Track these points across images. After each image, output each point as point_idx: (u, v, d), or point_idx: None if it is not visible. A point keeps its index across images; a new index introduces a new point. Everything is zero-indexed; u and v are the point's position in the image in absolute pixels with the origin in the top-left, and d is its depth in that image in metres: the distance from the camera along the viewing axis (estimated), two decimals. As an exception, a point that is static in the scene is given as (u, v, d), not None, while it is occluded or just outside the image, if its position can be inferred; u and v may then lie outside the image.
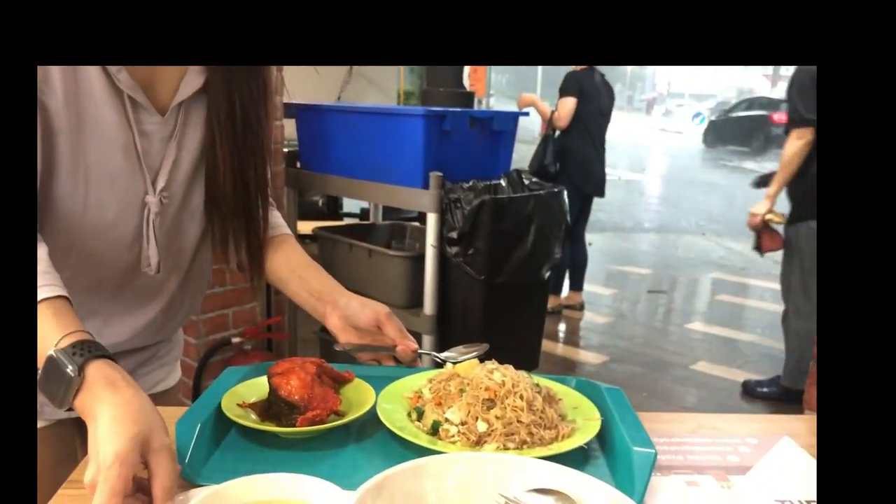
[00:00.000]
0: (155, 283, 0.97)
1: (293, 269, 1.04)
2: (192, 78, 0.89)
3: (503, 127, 2.49)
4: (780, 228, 3.19)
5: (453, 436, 0.79)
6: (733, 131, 17.40)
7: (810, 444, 0.90)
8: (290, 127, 2.82)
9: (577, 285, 4.58)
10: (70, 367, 0.66)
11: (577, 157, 4.04)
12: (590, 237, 4.56)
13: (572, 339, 4.31)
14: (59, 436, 0.97)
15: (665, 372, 3.74)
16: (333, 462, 0.77)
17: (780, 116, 17.06)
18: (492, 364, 0.87)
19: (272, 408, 0.83)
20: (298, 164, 2.78)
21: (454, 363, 0.94)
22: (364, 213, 4.07)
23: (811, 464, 0.85)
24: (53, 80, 0.79)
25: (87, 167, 0.84)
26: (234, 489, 0.60)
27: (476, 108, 5.03)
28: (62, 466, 0.81)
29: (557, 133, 4.04)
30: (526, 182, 2.44)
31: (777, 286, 3.43)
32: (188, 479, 0.70)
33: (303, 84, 3.83)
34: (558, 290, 4.50)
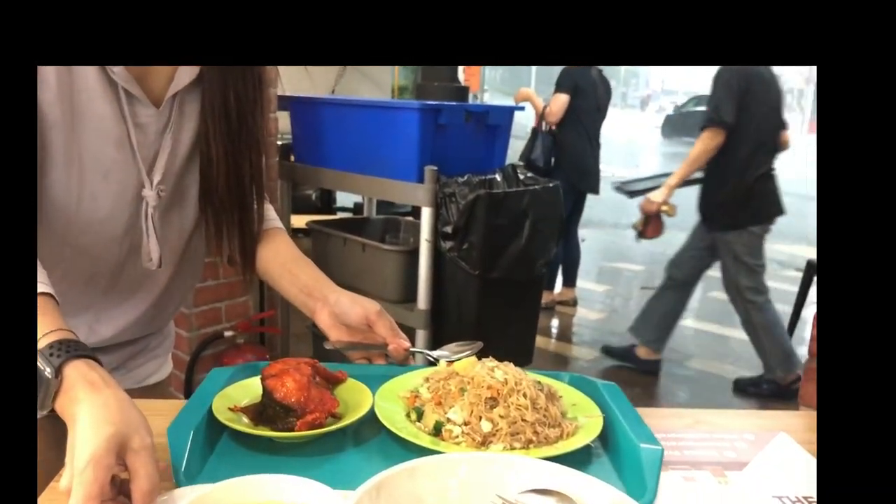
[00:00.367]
0: (146, 275, 0.97)
1: (283, 263, 1.03)
2: (186, 69, 0.88)
3: (498, 121, 2.48)
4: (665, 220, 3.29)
5: (457, 436, 0.77)
6: (685, 125, 18.58)
7: (806, 439, 0.90)
8: (283, 120, 2.80)
9: (569, 281, 4.59)
10: (47, 368, 0.64)
11: (571, 153, 4.03)
12: (582, 233, 4.56)
13: (565, 334, 4.31)
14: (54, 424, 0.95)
15: (658, 368, 3.75)
16: (333, 467, 0.75)
17: (786, 134, 19.47)
18: (492, 362, 0.85)
19: (266, 411, 0.80)
20: (292, 158, 2.77)
21: (448, 361, 0.92)
22: (358, 208, 4.06)
23: (808, 459, 0.85)
24: (47, 73, 0.78)
25: (81, 161, 0.83)
26: (223, 491, 0.58)
27: (470, 102, 5.02)
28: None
29: (548, 128, 4.04)
30: (521, 177, 2.43)
31: (769, 283, 3.43)
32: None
33: (297, 77, 3.81)
34: (551, 286, 4.50)
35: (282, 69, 2.81)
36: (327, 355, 0.96)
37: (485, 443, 0.76)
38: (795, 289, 4.09)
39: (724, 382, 3.59)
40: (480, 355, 0.90)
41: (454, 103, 2.44)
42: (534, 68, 24.61)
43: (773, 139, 3.15)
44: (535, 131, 4.07)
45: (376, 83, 4.56)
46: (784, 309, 4.38)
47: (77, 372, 0.65)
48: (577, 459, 0.76)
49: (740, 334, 4.36)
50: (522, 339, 2.58)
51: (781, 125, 3.21)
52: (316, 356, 2.97)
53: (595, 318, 4.57)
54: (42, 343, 0.66)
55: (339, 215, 3.99)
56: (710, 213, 3.19)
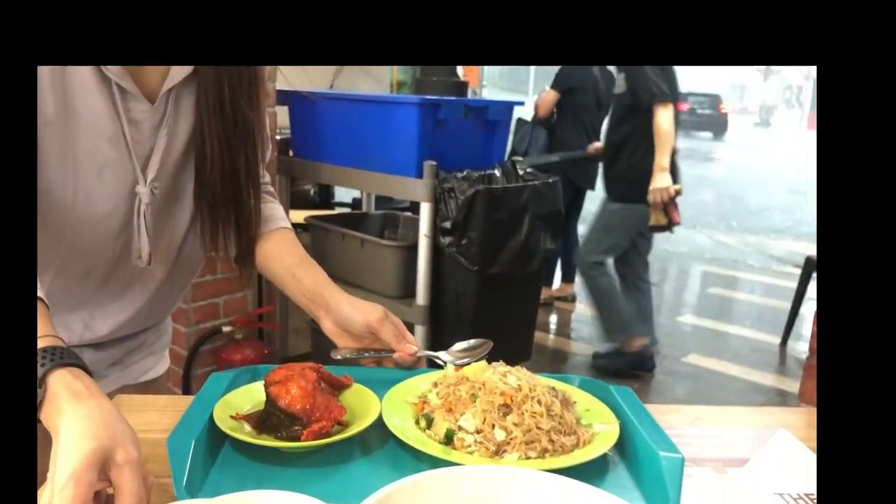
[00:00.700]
0: (142, 272, 0.95)
1: (287, 268, 1.01)
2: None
3: (498, 116, 2.47)
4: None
5: (470, 445, 0.74)
6: None
7: (807, 436, 0.90)
8: (282, 114, 2.79)
9: (568, 277, 4.59)
10: None
11: (569, 149, 4.03)
12: (582, 229, 4.56)
13: (563, 330, 4.31)
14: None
15: (656, 364, 3.75)
16: (341, 478, 0.71)
17: (682, 105, 20.79)
18: (503, 367, 0.83)
19: (270, 419, 0.76)
20: (291, 153, 2.76)
21: (456, 365, 0.89)
22: (356, 203, 4.04)
23: (808, 456, 0.85)
24: (41, 70, 0.77)
25: (76, 158, 0.82)
26: None
27: (469, 97, 5.00)
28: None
29: (538, 120, 4.10)
30: (520, 172, 2.42)
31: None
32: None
33: (295, 71, 3.79)
34: (550, 282, 4.50)
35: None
36: (328, 354, 0.94)
37: (499, 452, 0.73)
38: (794, 285, 4.10)
39: (723, 378, 3.59)
40: (486, 355, 0.89)
41: (453, 98, 2.43)
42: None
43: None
44: (521, 122, 4.11)
45: (375, 78, 4.55)
46: (782, 305, 4.39)
47: (61, 382, 0.62)
48: (593, 469, 0.73)
49: (738, 330, 4.38)
50: (521, 335, 2.58)
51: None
52: (315, 351, 2.94)
53: (593, 314, 4.57)
54: None
55: (338, 210, 3.98)
56: (613, 185, 3.38)
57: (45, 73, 0.77)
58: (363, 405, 0.81)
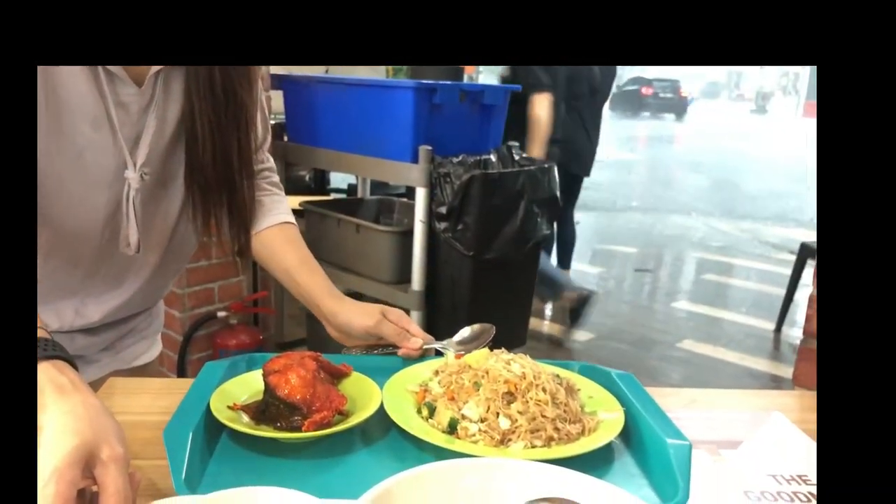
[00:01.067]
0: (134, 259, 0.94)
1: (287, 269, 1.00)
2: None
3: (494, 101, 2.46)
4: None
5: (474, 434, 0.73)
6: (623, 100, 24.13)
7: (801, 419, 0.90)
8: (276, 99, 2.77)
9: (564, 263, 4.58)
10: None
11: (562, 135, 4.01)
12: (577, 216, 4.55)
13: (559, 316, 4.31)
14: None
15: (651, 350, 3.77)
16: (343, 469, 0.70)
17: (647, 90, 25.32)
18: (506, 354, 0.82)
19: (269, 409, 0.75)
20: (285, 137, 2.74)
21: (458, 353, 0.88)
22: (352, 190, 4.03)
23: (802, 439, 0.85)
24: None
25: (60, 140, 0.80)
26: None
27: (465, 82, 4.97)
28: None
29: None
30: (516, 157, 2.41)
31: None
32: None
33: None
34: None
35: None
36: (328, 347, 0.94)
37: (504, 441, 0.72)
38: (789, 271, 4.11)
39: (717, 364, 3.61)
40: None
41: (449, 83, 2.42)
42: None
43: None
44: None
45: (370, 63, 4.54)
46: (777, 292, 4.40)
47: (45, 376, 0.60)
48: (600, 458, 0.73)
49: (733, 316, 4.39)
50: (516, 321, 2.58)
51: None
52: (310, 337, 2.94)
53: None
54: None
55: (333, 197, 3.97)
56: None
57: None
58: (363, 394, 0.80)
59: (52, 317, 0.93)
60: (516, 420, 0.73)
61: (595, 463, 0.72)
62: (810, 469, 0.78)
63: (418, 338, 0.93)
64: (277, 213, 1.03)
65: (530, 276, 2.63)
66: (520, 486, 0.59)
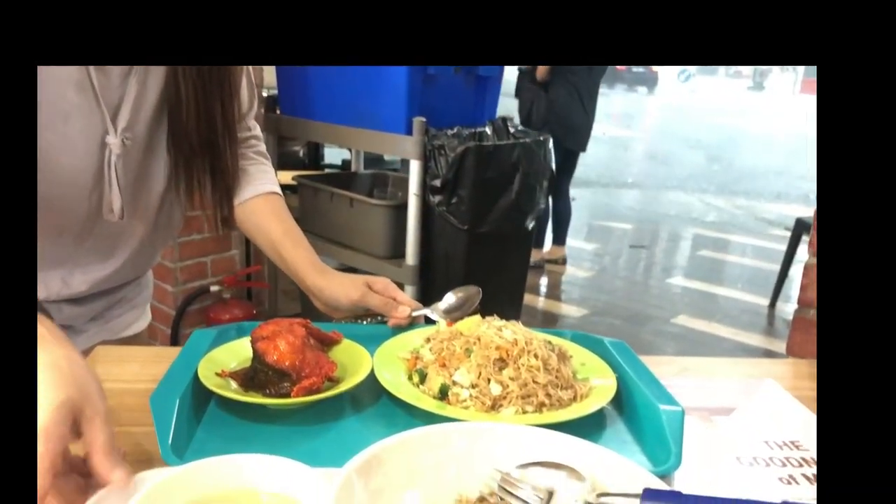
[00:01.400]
0: (121, 230, 0.93)
1: (272, 242, 0.99)
2: None
3: (489, 73, 2.43)
4: None
5: (465, 400, 0.73)
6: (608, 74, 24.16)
7: (794, 386, 0.90)
8: (269, 72, 2.73)
9: (559, 239, 4.58)
10: None
11: (560, 111, 3.99)
12: (572, 192, 4.54)
13: (554, 292, 4.32)
14: None
15: (645, 325, 3.78)
16: (333, 437, 0.70)
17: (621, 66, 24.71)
18: (498, 321, 0.81)
19: (257, 376, 0.74)
20: (278, 110, 2.71)
21: (448, 320, 0.88)
22: (346, 165, 4.00)
23: (795, 406, 0.85)
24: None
25: (41, 105, 0.79)
26: (190, 475, 0.51)
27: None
28: None
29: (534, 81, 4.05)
30: (511, 130, 2.39)
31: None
32: (171, 464, 0.60)
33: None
34: (541, 244, 4.50)
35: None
36: (319, 316, 0.93)
37: (495, 406, 0.72)
38: (784, 248, 4.12)
39: (711, 339, 3.62)
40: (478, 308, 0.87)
41: (443, 54, 2.38)
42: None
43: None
44: (526, 87, 4.06)
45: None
46: (772, 267, 4.41)
47: None
48: (592, 424, 0.72)
49: (727, 291, 4.40)
50: (511, 295, 2.57)
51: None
52: (305, 312, 2.94)
53: (584, 276, 4.58)
54: None
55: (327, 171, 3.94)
56: None
57: None
58: (354, 361, 0.79)
59: (38, 286, 0.92)
60: (507, 386, 0.73)
61: (587, 429, 0.71)
62: (803, 435, 0.78)
63: (406, 306, 0.93)
64: (263, 182, 1.02)
65: (525, 251, 2.62)
66: (510, 450, 0.58)
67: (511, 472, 0.56)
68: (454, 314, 0.91)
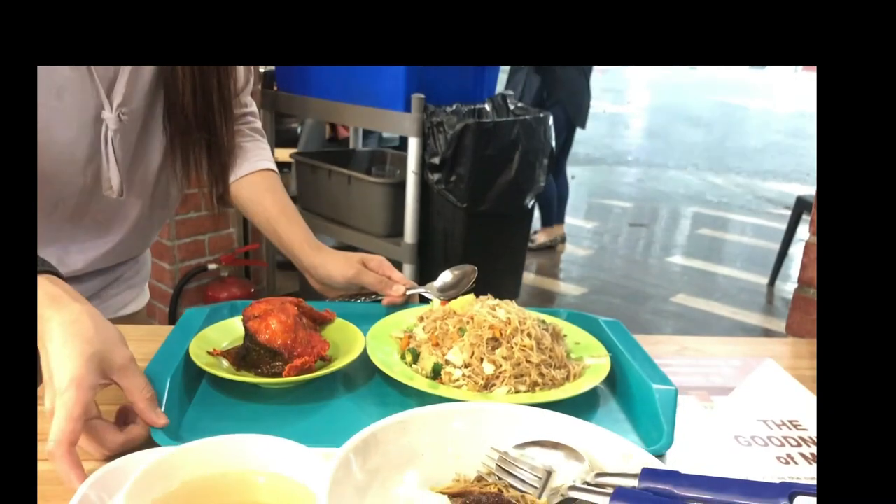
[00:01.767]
0: (118, 207, 0.92)
1: (268, 219, 0.99)
2: None
3: (488, 49, 2.40)
4: None
5: (458, 379, 0.72)
6: None
7: (792, 366, 0.90)
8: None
9: (559, 218, 4.57)
10: None
11: (570, 88, 3.97)
12: (571, 170, 4.52)
13: (553, 271, 4.31)
14: None
15: (644, 304, 3.78)
16: (325, 416, 0.69)
17: None
18: (492, 300, 0.81)
19: (249, 355, 0.74)
20: (275, 87, 2.68)
21: (442, 299, 0.87)
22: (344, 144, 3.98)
23: (793, 385, 0.85)
24: None
25: (41, 80, 0.78)
26: (190, 454, 0.51)
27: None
28: None
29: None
30: (511, 107, 2.36)
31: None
32: (163, 444, 0.59)
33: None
34: (551, 222, 4.48)
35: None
36: (313, 293, 0.93)
37: (487, 386, 0.72)
38: (784, 226, 4.11)
39: (710, 318, 3.63)
40: (474, 288, 0.87)
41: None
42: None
43: None
44: (515, 69, 4.01)
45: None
46: (772, 246, 4.40)
47: (39, 290, 0.60)
48: (585, 403, 0.72)
49: (727, 270, 4.40)
50: (510, 274, 2.57)
51: None
52: (303, 290, 2.94)
53: (583, 255, 4.57)
54: None
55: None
56: None
57: None
58: (347, 340, 0.79)
59: None
60: (500, 365, 0.73)
61: (580, 408, 0.71)
62: (801, 414, 0.77)
63: (400, 284, 0.92)
64: (259, 159, 1.01)
65: (524, 229, 2.61)
66: (508, 430, 0.58)
67: (509, 452, 0.56)
68: (449, 292, 0.91)
